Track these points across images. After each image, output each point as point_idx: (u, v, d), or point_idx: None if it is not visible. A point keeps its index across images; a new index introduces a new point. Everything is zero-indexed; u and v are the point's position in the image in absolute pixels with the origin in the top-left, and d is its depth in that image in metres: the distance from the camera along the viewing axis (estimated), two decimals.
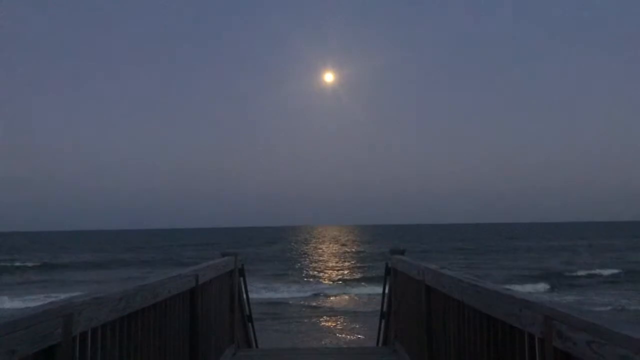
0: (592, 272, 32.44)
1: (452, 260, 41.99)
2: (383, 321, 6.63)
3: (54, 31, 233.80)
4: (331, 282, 31.82)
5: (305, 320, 19.18)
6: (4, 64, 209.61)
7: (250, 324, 6.78)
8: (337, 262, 45.71)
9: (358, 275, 33.91)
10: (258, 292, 24.76)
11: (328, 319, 19.51)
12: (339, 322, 18.79)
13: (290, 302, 23.43)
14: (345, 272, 37.49)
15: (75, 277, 33.92)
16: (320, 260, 48.25)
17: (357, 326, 17.57)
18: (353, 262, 45.15)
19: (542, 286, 27.54)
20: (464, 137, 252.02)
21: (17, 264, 43.14)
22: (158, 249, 66.82)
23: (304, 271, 38.16)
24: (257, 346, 7.09)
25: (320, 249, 68.23)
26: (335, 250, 64.03)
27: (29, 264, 42.85)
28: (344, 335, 16.49)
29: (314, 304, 23.29)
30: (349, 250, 62.69)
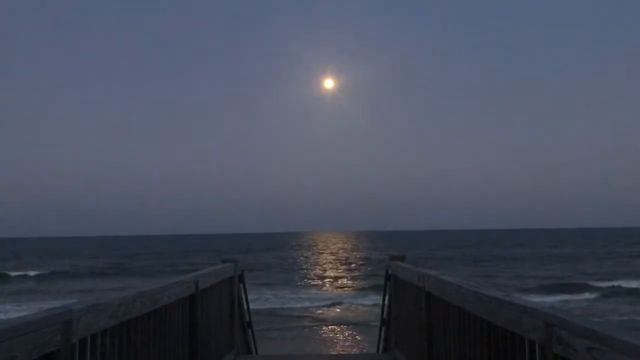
0: (621, 281, 31.49)
1: (461, 269, 40.88)
2: (383, 328, 6.60)
3: (51, 34, 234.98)
4: (336, 291, 31.60)
5: (308, 329, 19.09)
6: (4, 67, 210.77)
7: (250, 330, 6.76)
8: (342, 270, 45.17)
9: (364, 284, 33.51)
10: (266, 300, 24.70)
11: (330, 328, 19.38)
12: (343, 331, 18.68)
13: (295, 311, 23.28)
14: (352, 280, 37.05)
15: (72, 287, 33.29)
16: (327, 269, 47.72)
17: (362, 333, 17.47)
18: (358, 269, 44.62)
19: (586, 296, 26.67)
20: (463, 138, 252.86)
21: (15, 272, 42.27)
22: (157, 255, 66.57)
23: (310, 280, 37.88)
24: (256, 352, 7.07)
25: (324, 255, 67.80)
26: (340, 257, 63.38)
27: (25, 273, 41.96)
28: (347, 343, 16.42)
29: (317, 312, 23.16)
30: (353, 257, 62.18)
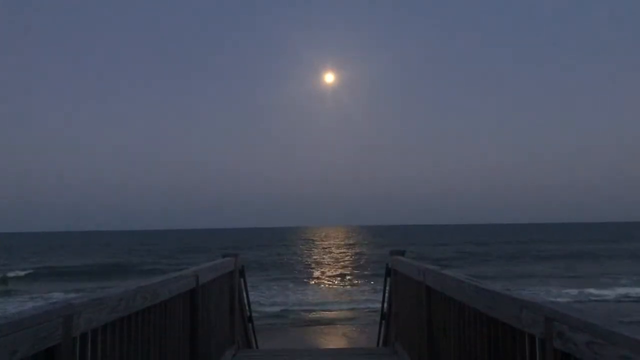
0: None
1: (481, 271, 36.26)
2: (383, 322, 6.62)
3: (50, 29, 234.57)
4: (338, 286, 31.46)
5: (308, 325, 19.09)
6: (4, 62, 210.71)
7: (250, 325, 6.78)
8: (344, 266, 44.69)
9: (365, 279, 33.06)
10: (268, 296, 24.60)
11: (331, 323, 19.28)
12: (343, 326, 18.65)
13: (296, 307, 23.19)
14: (353, 276, 36.59)
15: (68, 287, 30.68)
16: (328, 264, 47.22)
17: (362, 328, 17.46)
18: (359, 265, 43.88)
19: None
20: (463, 137, 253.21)
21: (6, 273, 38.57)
22: (156, 251, 66.24)
23: (312, 275, 37.64)
24: (257, 347, 7.09)
25: (326, 250, 67.39)
26: (341, 252, 62.83)
27: (17, 272, 38.42)
28: (347, 338, 16.45)
29: (319, 308, 23.10)
30: (354, 252, 61.49)
